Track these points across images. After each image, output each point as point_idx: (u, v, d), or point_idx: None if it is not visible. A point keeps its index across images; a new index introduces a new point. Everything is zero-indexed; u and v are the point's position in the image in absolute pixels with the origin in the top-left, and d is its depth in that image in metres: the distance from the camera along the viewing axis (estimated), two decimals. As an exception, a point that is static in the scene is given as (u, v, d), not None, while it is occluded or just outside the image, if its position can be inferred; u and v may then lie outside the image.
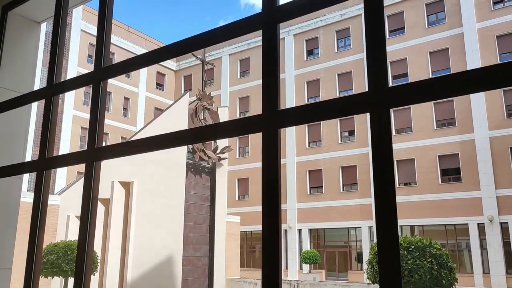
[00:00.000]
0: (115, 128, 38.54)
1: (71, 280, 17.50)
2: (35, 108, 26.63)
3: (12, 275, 3.62)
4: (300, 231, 35.47)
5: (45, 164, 3.11)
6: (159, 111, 38.41)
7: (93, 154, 2.77)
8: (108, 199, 19.04)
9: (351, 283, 27.43)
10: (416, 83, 1.67)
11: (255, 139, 36.49)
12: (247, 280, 28.48)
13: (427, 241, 14.87)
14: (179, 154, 20.44)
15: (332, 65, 36.35)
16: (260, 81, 2.22)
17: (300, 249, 34.82)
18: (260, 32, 2.20)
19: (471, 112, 29.81)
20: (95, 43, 3.17)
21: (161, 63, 42.41)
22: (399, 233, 16.92)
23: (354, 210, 32.90)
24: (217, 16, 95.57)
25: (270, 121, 2.03)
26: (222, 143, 22.87)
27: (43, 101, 3.32)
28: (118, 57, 38.12)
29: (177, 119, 20.59)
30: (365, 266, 19.06)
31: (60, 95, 3.47)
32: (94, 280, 17.91)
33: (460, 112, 30.31)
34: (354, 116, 32.99)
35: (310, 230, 35.30)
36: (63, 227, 21.14)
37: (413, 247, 14.55)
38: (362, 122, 32.85)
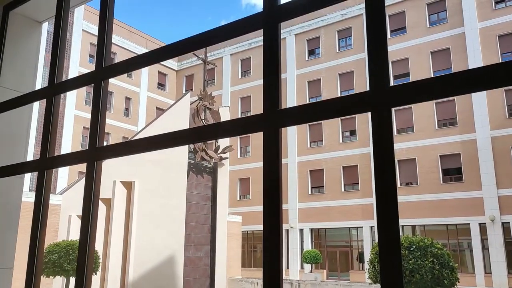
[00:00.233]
0: (117, 128, 38.59)
1: (72, 280, 17.53)
2: (37, 108, 26.67)
3: (14, 275, 3.63)
4: (301, 231, 35.47)
5: (46, 163, 3.11)
6: (160, 111, 38.45)
7: (94, 153, 2.77)
8: (109, 199, 19.07)
9: (352, 283, 27.43)
10: (417, 82, 1.67)
11: (257, 139, 36.48)
12: (249, 279, 28.49)
13: (428, 241, 14.85)
14: (181, 154, 20.45)
15: (334, 65, 36.33)
16: (261, 81, 2.21)
17: (302, 249, 34.83)
18: (261, 31, 2.20)
19: (473, 112, 29.77)
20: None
21: (162, 63, 42.48)
22: (401, 233, 16.90)
23: (356, 210, 32.88)
24: (218, 16, 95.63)
25: (271, 120, 2.03)
26: (223, 143, 22.87)
27: (44, 100, 3.32)
28: (119, 57, 38.14)
29: (178, 119, 20.60)
30: (366, 266, 19.06)
31: (62, 95, 3.47)
32: (95, 279, 17.92)
33: (461, 111, 30.26)
34: (356, 116, 33.10)
35: (312, 230, 35.30)
36: (64, 226, 21.19)
37: (414, 247, 14.53)
38: (364, 122, 32.83)
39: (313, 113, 1.98)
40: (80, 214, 2.73)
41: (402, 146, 31.03)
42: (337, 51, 36.73)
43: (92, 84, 2.97)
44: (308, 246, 34.68)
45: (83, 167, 2.82)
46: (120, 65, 2.95)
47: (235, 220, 28.47)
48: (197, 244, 21.37)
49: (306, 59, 38.23)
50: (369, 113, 1.76)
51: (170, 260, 19.70)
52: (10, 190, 3.72)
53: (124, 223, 19.28)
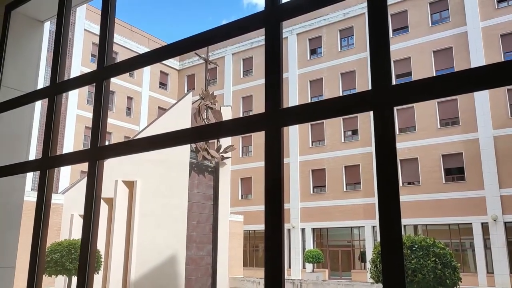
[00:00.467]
0: (119, 127, 38.65)
1: (74, 279, 17.56)
2: (39, 107, 26.71)
3: (16, 274, 3.63)
4: (303, 230, 35.46)
5: (48, 163, 3.12)
6: (162, 110, 38.44)
7: (96, 153, 2.77)
8: (111, 198, 19.10)
9: (354, 282, 27.40)
10: (420, 81, 1.66)
11: (258, 139, 36.48)
12: (250, 279, 28.49)
13: (430, 240, 14.83)
14: (182, 153, 20.45)
15: (335, 64, 36.31)
16: (263, 80, 2.21)
17: (303, 248, 34.83)
18: (263, 31, 2.19)
19: (475, 111, 29.72)
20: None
21: (164, 62, 42.50)
22: (403, 233, 16.90)
23: (358, 209, 32.87)
24: (219, 15, 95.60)
25: (273, 119, 2.03)
26: (225, 142, 22.88)
27: (46, 100, 3.32)
28: (121, 57, 38.17)
29: (180, 118, 20.60)
30: (368, 265, 19.03)
31: (64, 94, 3.48)
32: (97, 278, 17.95)
33: (464, 111, 30.21)
34: (358, 115, 33.07)
35: (313, 229, 35.30)
36: (66, 226, 21.24)
37: (416, 246, 14.51)
38: (366, 121, 32.80)
39: (315, 112, 1.98)
40: (82, 213, 2.73)
41: (404, 146, 31.00)
42: (339, 50, 36.71)
43: (94, 84, 2.97)
44: (310, 245, 34.68)
45: (85, 166, 2.82)
46: (122, 65, 2.95)
47: (237, 220, 28.47)
48: (199, 244, 21.38)
49: (308, 58, 38.21)
50: (371, 113, 1.76)
51: (172, 259, 19.72)
52: (12, 190, 3.72)
53: (126, 222, 19.31)
